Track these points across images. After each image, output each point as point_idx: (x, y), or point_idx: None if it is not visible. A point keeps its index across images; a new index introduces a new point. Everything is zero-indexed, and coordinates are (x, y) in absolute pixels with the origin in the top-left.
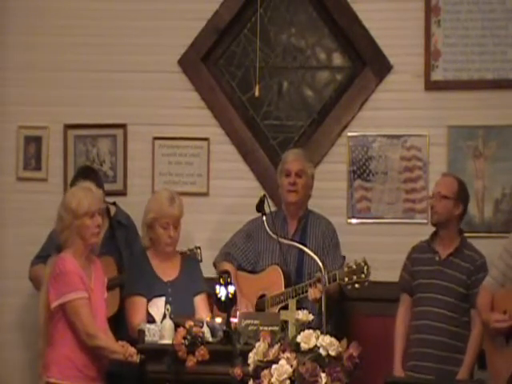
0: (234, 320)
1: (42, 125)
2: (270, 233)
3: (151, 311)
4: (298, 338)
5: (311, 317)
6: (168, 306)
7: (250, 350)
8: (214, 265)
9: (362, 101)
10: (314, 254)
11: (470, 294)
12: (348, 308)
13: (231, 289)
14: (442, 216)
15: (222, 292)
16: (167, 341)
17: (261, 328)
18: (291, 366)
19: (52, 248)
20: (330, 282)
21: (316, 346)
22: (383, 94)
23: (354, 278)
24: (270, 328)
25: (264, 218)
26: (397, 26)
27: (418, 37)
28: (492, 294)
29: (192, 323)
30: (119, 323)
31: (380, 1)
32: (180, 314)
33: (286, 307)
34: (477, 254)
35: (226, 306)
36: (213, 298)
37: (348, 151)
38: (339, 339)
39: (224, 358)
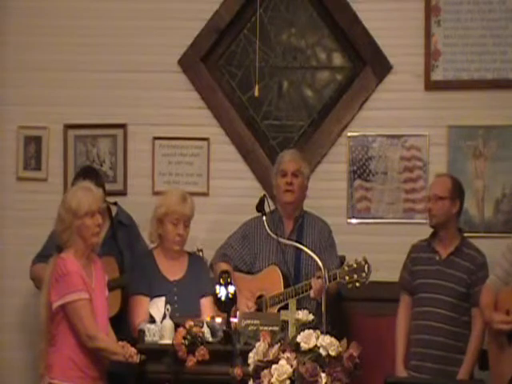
0: (234, 320)
1: (42, 125)
2: (271, 233)
3: (151, 311)
4: (298, 338)
5: (311, 317)
6: (168, 306)
7: (250, 350)
8: (211, 266)
9: (361, 101)
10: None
11: (471, 293)
12: (348, 308)
13: (231, 289)
14: (441, 217)
15: (221, 292)
16: (167, 341)
17: (261, 328)
18: (291, 366)
19: (53, 247)
20: (330, 281)
21: (316, 346)
22: (383, 94)
23: (355, 276)
24: (269, 328)
25: (264, 218)
26: (397, 25)
27: (418, 37)
28: (495, 292)
29: (192, 323)
30: (120, 324)
31: (380, 1)
32: (185, 313)
33: (284, 307)
34: (477, 253)
35: (226, 306)
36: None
37: (348, 151)
38: (339, 339)
39: (224, 358)
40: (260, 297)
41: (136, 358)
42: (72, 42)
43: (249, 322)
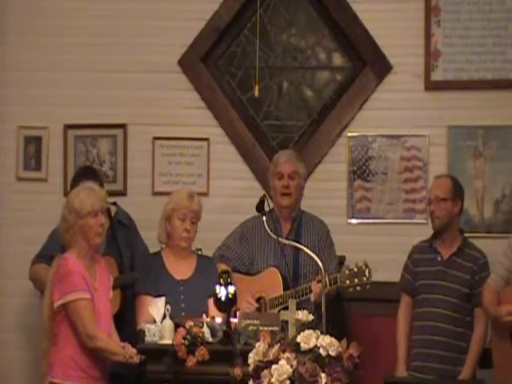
0: (233, 320)
1: (42, 125)
2: (271, 233)
3: (151, 311)
4: (298, 338)
5: (311, 317)
6: (168, 306)
7: (250, 350)
8: None
9: (362, 101)
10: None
11: (474, 294)
12: (348, 308)
13: (231, 289)
14: (444, 219)
15: (221, 292)
16: (167, 341)
17: (261, 328)
18: (291, 366)
19: (53, 248)
20: (330, 285)
21: (316, 346)
22: (383, 94)
23: (356, 280)
24: (269, 328)
25: (264, 218)
26: (397, 26)
27: (418, 37)
28: (497, 290)
29: (192, 323)
30: (120, 323)
31: (380, 1)
32: (192, 313)
33: (284, 310)
34: (479, 253)
35: (226, 306)
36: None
37: (348, 151)
38: (339, 339)
39: (224, 358)
40: (259, 299)
41: (136, 359)
42: (72, 42)
43: (249, 321)
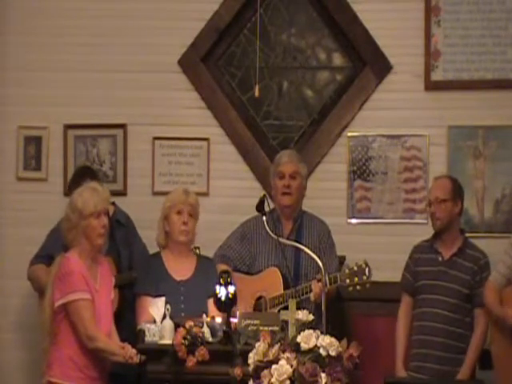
0: (233, 320)
1: (42, 125)
2: (271, 233)
3: (151, 311)
4: (298, 338)
5: (311, 317)
6: (168, 306)
7: (250, 350)
8: None
9: (361, 101)
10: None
11: (474, 294)
12: (348, 308)
13: (231, 289)
14: (445, 220)
15: (221, 292)
16: (167, 341)
17: (261, 328)
18: (291, 366)
19: (51, 247)
20: (330, 284)
21: (316, 345)
22: (383, 94)
23: (356, 279)
24: (269, 328)
25: (264, 218)
26: (397, 26)
27: (418, 37)
28: (499, 289)
29: (192, 323)
30: (119, 322)
31: (380, 1)
32: (191, 313)
33: (284, 309)
34: (480, 254)
35: (226, 306)
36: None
37: (348, 151)
38: (339, 339)
39: (224, 357)
40: (260, 298)
41: (136, 359)
42: (72, 41)
43: (249, 321)
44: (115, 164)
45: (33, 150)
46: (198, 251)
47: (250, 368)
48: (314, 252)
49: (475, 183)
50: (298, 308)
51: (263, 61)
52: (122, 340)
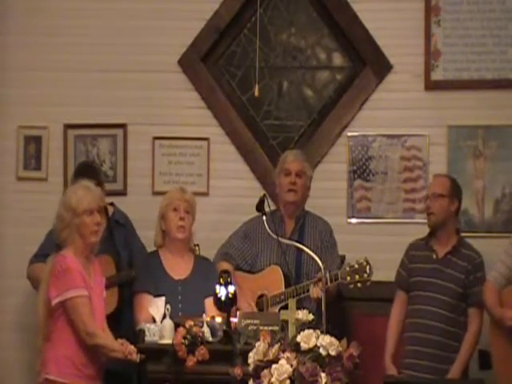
0: (234, 320)
1: (42, 125)
2: (271, 233)
3: (151, 311)
4: (298, 338)
5: (311, 316)
6: (168, 306)
7: (250, 350)
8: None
9: (361, 101)
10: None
11: (468, 294)
12: (348, 308)
13: (231, 288)
14: (439, 216)
15: (221, 292)
16: (167, 341)
17: (261, 328)
18: (291, 366)
19: (50, 247)
20: (331, 282)
21: (316, 345)
22: (383, 94)
23: (356, 277)
24: (269, 328)
25: (264, 217)
26: (397, 26)
27: (418, 37)
28: (498, 289)
29: (192, 323)
30: (118, 321)
31: (380, 1)
32: (189, 313)
33: (286, 307)
34: (474, 253)
35: (226, 306)
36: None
37: (348, 151)
38: (339, 339)
39: (224, 357)
40: (261, 296)
41: (135, 356)
42: (72, 41)
43: (249, 321)
44: (115, 164)
45: (33, 149)
46: (197, 248)
47: (250, 368)
48: (315, 251)
49: (475, 183)
50: (299, 307)
51: (263, 61)
52: (120, 338)
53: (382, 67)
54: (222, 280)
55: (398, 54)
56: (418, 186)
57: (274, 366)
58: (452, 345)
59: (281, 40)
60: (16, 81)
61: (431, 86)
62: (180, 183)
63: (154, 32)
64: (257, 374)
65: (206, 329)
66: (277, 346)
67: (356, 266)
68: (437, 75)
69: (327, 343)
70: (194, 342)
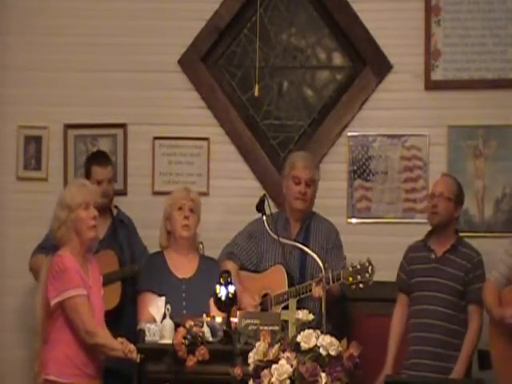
0: (234, 320)
1: (42, 125)
2: (271, 233)
3: (151, 311)
4: (298, 338)
5: (311, 316)
6: (168, 306)
7: (250, 350)
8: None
9: (362, 101)
10: (317, 255)
11: (468, 291)
12: (348, 308)
13: (231, 288)
14: (444, 218)
15: (222, 292)
16: (167, 340)
17: (261, 328)
18: (291, 366)
19: None
20: (333, 282)
21: (316, 345)
22: (383, 94)
23: (359, 277)
24: (270, 328)
25: (264, 217)
26: (397, 25)
27: (418, 37)
28: (498, 289)
29: (192, 323)
30: (119, 316)
31: (380, 1)
32: (193, 312)
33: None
34: (473, 252)
35: (226, 306)
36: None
37: (348, 151)
38: (339, 339)
39: (224, 357)
40: (265, 295)
41: (135, 354)
42: (72, 41)
43: (249, 321)
44: (115, 163)
45: (33, 149)
46: (202, 246)
47: (250, 368)
48: (320, 252)
49: (475, 183)
50: (303, 307)
51: (263, 60)
52: (121, 334)
53: (382, 67)
54: (222, 280)
55: (398, 54)
56: (418, 185)
57: (273, 366)
58: (454, 343)
59: (281, 40)
60: (16, 81)
61: (431, 86)
62: (180, 183)
63: (154, 32)
64: (257, 373)
65: (206, 329)
66: (277, 346)
67: (358, 266)
68: (437, 75)
69: (327, 343)
70: (194, 341)
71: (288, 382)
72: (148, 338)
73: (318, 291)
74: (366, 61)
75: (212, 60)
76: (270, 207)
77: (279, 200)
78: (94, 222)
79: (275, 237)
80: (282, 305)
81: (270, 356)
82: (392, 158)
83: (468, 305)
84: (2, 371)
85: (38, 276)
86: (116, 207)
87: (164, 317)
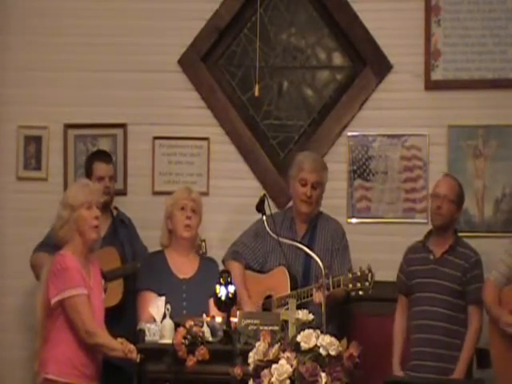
0: (234, 320)
1: (42, 125)
2: (271, 233)
3: (151, 311)
4: (298, 338)
5: (311, 316)
6: (168, 306)
7: (250, 350)
8: (223, 262)
9: (362, 101)
10: (323, 256)
11: (467, 291)
12: (348, 308)
13: (231, 288)
14: (446, 220)
15: (222, 291)
16: (167, 340)
17: (261, 327)
18: (291, 366)
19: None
20: (333, 287)
21: (316, 345)
22: (383, 94)
23: (358, 285)
24: (269, 328)
25: (264, 217)
26: (397, 25)
27: (418, 37)
28: (498, 288)
29: (192, 323)
30: (121, 314)
31: (380, 1)
32: (193, 312)
33: None
34: (471, 252)
35: (226, 306)
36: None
37: (348, 151)
38: (339, 339)
39: (224, 357)
40: (269, 297)
41: (135, 354)
42: (72, 41)
43: (249, 321)
44: (115, 163)
45: (33, 149)
46: (204, 244)
47: (250, 367)
48: (325, 253)
49: (475, 183)
50: (304, 308)
51: (263, 60)
52: (121, 333)
53: (382, 67)
54: (222, 280)
55: (398, 54)
56: (418, 185)
57: (273, 366)
58: (455, 343)
59: (281, 40)
60: (16, 81)
61: (431, 85)
62: (180, 183)
63: (154, 32)
64: (257, 373)
65: (206, 329)
66: (277, 346)
67: (358, 273)
68: (437, 75)
69: (327, 343)
70: (194, 341)
71: (288, 381)
72: (148, 338)
73: (318, 297)
74: (366, 61)
75: (212, 60)
76: (270, 207)
77: (279, 200)
78: (97, 221)
79: (275, 237)
80: (284, 308)
81: (270, 356)
82: (392, 158)
83: (468, 305)
84: (1, 371)
85: (39, 273)
86: (116, 208)
87: (164, 317)
